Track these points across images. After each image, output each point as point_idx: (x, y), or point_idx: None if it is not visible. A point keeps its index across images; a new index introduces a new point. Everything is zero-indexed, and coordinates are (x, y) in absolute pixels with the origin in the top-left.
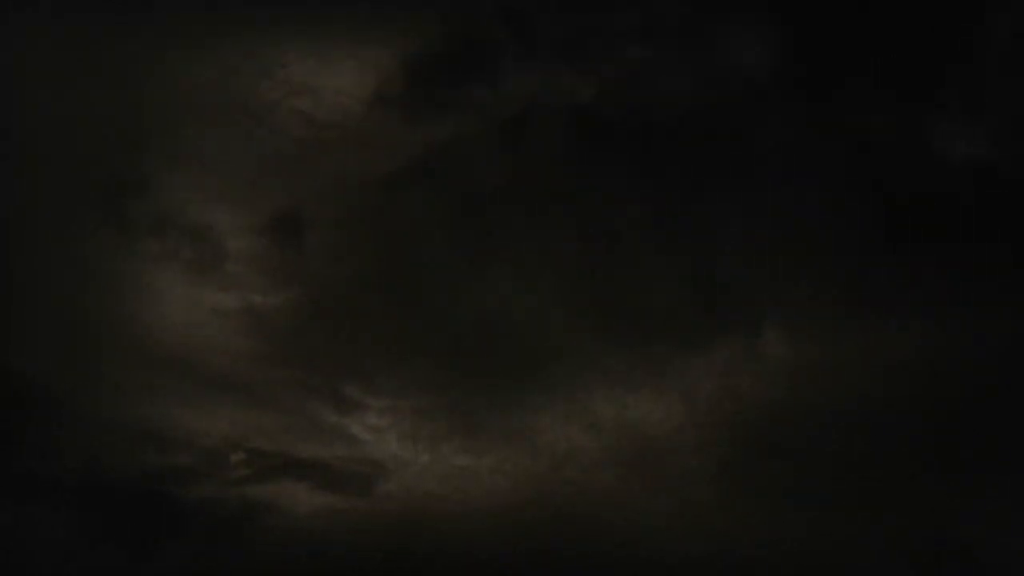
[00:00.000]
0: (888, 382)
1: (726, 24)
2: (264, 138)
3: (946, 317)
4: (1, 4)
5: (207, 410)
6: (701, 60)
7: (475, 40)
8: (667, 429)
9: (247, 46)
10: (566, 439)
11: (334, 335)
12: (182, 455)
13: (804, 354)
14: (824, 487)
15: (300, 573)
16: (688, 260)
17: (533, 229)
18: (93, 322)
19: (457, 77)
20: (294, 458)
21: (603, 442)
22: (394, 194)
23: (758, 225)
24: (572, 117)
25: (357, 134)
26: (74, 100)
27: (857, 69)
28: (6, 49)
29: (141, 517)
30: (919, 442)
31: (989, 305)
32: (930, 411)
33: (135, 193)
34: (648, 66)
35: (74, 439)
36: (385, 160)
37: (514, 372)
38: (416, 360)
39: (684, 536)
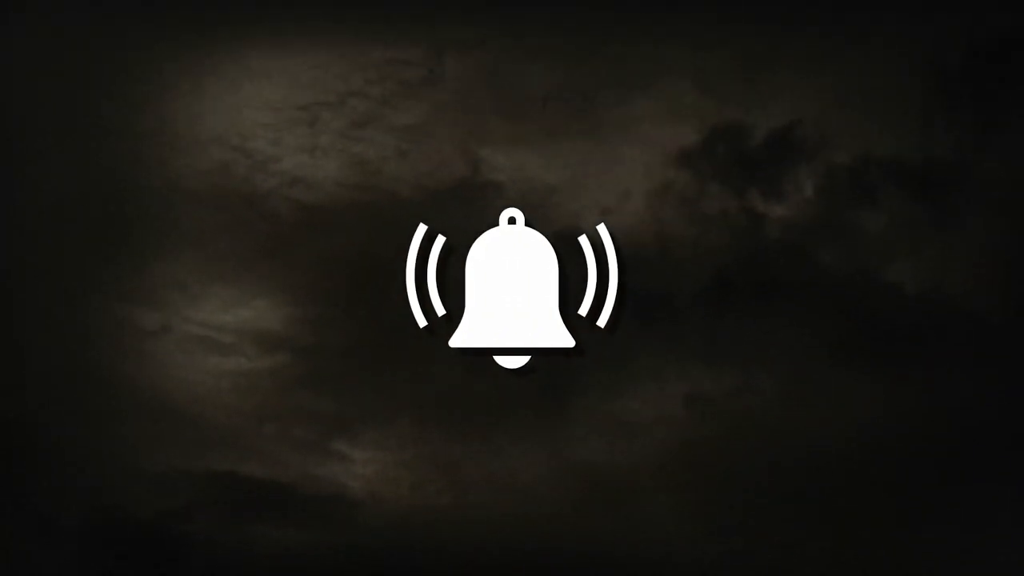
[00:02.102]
0: (855, 429)
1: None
2: (257, 222)
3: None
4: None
5: (205, 458)
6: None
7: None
8: (641, 472)
9: (241, 143)
10: (542, 481)
11: (321, 396)
12: (183, 497)
13: (773, 403)
14: (794, 526)
15: None
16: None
17: None
18: (98, 380)
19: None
20: (287, 500)
21: (578, 484)
22: (378, 271)
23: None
24: None
25: (346, 217)
26: (80, 180)
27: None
28: (8, 139)
29: (144, 554)
30: (887, 484)
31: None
32: (896, 457)
33: (137, 269)
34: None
35: (80, 483)
36: (369, 242)
37: (492, 423)
38: (400, 417)
39: (658, 572)
